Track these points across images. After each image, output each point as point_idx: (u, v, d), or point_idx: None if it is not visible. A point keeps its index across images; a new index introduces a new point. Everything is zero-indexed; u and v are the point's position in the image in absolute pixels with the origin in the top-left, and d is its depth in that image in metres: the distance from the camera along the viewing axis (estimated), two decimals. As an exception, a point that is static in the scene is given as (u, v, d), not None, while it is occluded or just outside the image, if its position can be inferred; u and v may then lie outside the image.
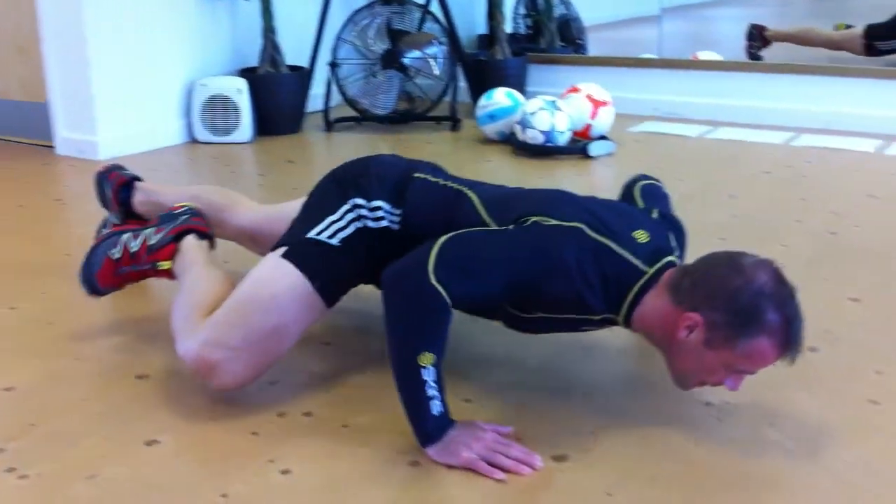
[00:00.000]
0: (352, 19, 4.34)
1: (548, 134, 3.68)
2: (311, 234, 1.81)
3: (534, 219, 1.64)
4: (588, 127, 3.83)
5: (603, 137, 3.83)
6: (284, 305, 1.73)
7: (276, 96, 4.23)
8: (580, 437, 1.63)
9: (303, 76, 4.33)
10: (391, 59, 4.27)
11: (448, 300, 1.51)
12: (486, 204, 1.76)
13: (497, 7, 4.56)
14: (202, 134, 4.09)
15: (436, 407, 1.53)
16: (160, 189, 2.34)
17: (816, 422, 1.67)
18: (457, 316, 1.57)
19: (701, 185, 3.28)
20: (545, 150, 3.68)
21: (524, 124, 3.72)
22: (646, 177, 2.04)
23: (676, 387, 1.66)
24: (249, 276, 1.81)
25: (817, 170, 3.45)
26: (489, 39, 4.72)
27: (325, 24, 4.37)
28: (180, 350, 1.74)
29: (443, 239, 1.58)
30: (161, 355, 1.97)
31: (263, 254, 1.96)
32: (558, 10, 5.11)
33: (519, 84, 4.48)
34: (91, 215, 2.73)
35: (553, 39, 5.02)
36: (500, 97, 3.96)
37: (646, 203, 1.92)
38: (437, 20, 4.39)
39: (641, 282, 1.61)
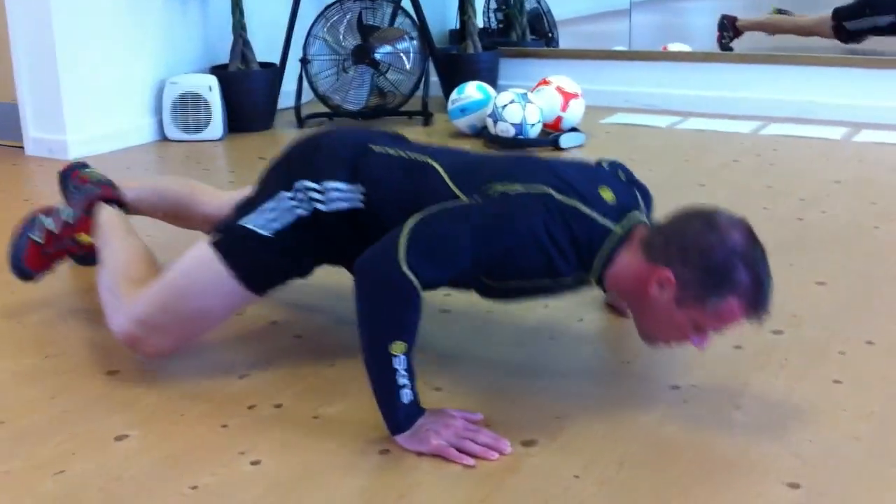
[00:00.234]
0: (323, 15, 4.33)
1: (519, 126, 3.69)
2: (243, 221, 1.79)
3: (499, 187, 1.63)
4: (559, 119, 3.85)
5: (574, 129, 3.85)
6: (209, 294, 1.80)
7: (248, 93, 4.22)
8: (549, 422, 1.64)
9: (274, 73, 4.32)
10: (362, 55, 4.27)
11: (419, 287, 1.52)
12: (452, 174, 1.73)
13: (468, 2, 4.57)
14: (173, 132, 4.08)
15: (406, 395, 1.54)
16: (124, 185, 2.32)
17: (782, 403, 1.69)
18: (427, 306, 1.58)
19: (670, 173, 3.31)
20: (517, 143, 3.70)
21: (495, 117, 3.73)
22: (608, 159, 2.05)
23: (644, 343, 1.68)
24: (181, 259, 1.83)
25: (785, 158, 3.49)
26: (460, 34, 4.73)
27: (295, 21, 4.36)
28: (112, 325, 1.84)
29: (411, 223, 1.58)
30: (129, 352, 1.96)
31: None
32: (529, 4, 5.13)
33: (491, 78, 4.49)
34: (60, 214, 2.72)
35: (524, 33, 5.04)
36: (471, 91, 3.97)
37: (611, 169, 1.93)
38: (408, 15, 4.40)
39: (612, 241, 1.62)
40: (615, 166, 1.93)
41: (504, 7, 5.14)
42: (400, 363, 1.52)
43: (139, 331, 1.80)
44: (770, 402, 1.69)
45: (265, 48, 4.38)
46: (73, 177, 2.31)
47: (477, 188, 1.66)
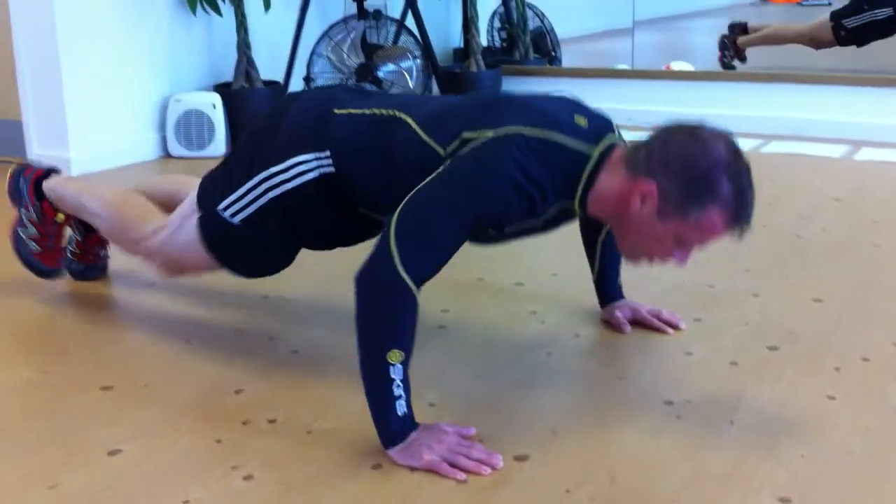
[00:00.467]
0: (327, 34, 4.37)
1: (520, 144, 3.70)
2: (219, 206, 1.87)
3: (469, 135, 1.61)
4: (560, 137, 3.85)
5: (575, 147, 3.85)
6: (200, 261, 1.96)
7: (251, 111, 4.24)
8: (542, 436, 1.64)
9: (278, 91, 4.35)
10: (366, 73, 4.30)
11: (416, 292, 1.52)
12: (422, 123, 1.71)
13: (472, 21, 4.60)
14: (176, 149, 4.10)
15: (401, 407, 1.54)
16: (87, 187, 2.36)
17: (775, 418, 1.69)
18: (423, 321, 1.59)
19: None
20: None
21: (497, 135, 3.74)
22: None
23: (625, 259, 1.69)
24: (178, 225, 1.96)
25: (785, 174, 3.49)
26: (464, 53, 4.75)
27: (299, 39, 4.39)
28: (139, 254, 2.08)
29: (394, 221, 1.56)
30: (127, 367, 1.97)
31: None
32: (533, 23, 5.16)
33: (493, 96, 4.50)
34: (62, 230, 2.73)
35: (527, 52, 5.07)
36: (473, 109, 3.98)
37: None
38: (411, 34, 4.43)
39: (590, 164, 1.61)
40: None
41: (507, 26, 5.16)
42: (397, 373, 1.52)
43: (151, 261, 2.05)
44: (764, 417, 1.69)
45: (269, 66, 4.41)
46: (27, 174, 2.36)
47: (448, 137, 1.64)
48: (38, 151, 3.87)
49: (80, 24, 3.76)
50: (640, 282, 2.35)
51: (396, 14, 4.73)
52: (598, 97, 4.56)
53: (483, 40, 5.07)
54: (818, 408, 1.72)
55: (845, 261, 2.51)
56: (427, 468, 1.53)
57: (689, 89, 4.47)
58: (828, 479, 1.49)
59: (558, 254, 2.57)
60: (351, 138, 1.77)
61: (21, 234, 2.34)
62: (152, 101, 4.11)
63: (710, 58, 5.22)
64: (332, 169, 1.77)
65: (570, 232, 2.12)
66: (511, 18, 5.09)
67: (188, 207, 1.96)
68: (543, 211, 1.64)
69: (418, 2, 4.53)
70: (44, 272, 2.37)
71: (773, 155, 3.82)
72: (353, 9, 4.47)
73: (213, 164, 3.78)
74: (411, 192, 1.61)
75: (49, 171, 2.34)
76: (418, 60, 4.33)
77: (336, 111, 1.80)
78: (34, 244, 2.33)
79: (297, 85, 4.40)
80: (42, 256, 2.35)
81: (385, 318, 1.53)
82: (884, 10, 4.40)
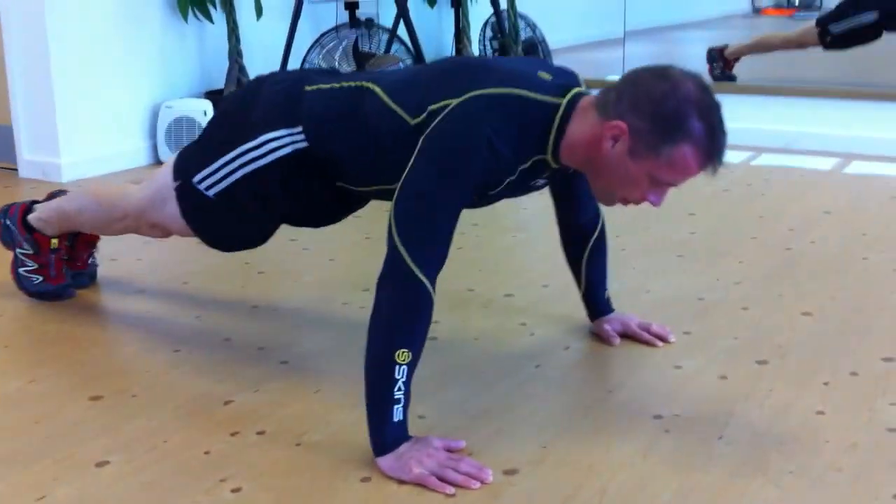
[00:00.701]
0: (318, 42, 4.36)
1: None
2: (195, 179, 1.89)
3: (435, 109, 1.61)
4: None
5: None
6: (182, 227, 1.99)
7: (242, 119, 4.23)
8: (531, 450, 1.64)
9: (269, 98, 4.34)
10: (357, 82, 4.30)
11: (432, 290, 1.55)
12: (390, 92, 1.72)
13: (464, 30, 4.60)
14: (167, 155, 4.09)
15: (397, 413, 1.55)
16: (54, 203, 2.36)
17: (765, 433, 1.69)
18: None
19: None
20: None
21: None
22: None
23: (600, 203, 1.72)
24: (157, 181, 2.00)
25: (776, 187, 3.50)
26: (455, 61, 4.75)
27: (291, 47, 4.38)
28: (128, 228, 2.14)
29: (394, 223, 1.56)
30: (115, 377, 1.96)
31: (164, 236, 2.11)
32: (524, 33, 5.16)
33: (484, 105, 4.50)
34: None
35: (519, 61, 5.07)
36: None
37: None
38: (403, 43, 4.43)
39: (559, 114, 1.62)
40: None
41: (499, 35, 5.17)
42: (401, 374, 1.53)
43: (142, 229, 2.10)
44: (753, 433, 1.69)
45: (261, 73, 4.40)
46: (11, 213, 2.37)
47: (414, 106, 1.65)
48: (28, 157, 3.86)
49: (71, 30, 3.74)
50: (631, 294, 2.35)
51: (389, 23, 4.73)
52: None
53: (475, 49, 5.08)
54: (807, 423, 1.72)
55: (835, 274, 2.52)
56: (416, 482, 1.52)
57: (680, 100, 4.48)
58: (816, 496, 1.49)
59: (548, 265, 2.57)
60: (322, 112, 1.79)
61: (23, 273, 2.35)
62: (143, 108, 4.10)
63: (702, 69, 5.24)
64: (304, 144, 1.79)
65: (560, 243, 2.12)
66: (503, 28, 5.09)
67: (165, 174, 1.98)
68: (519, 164, 1.64)
69: (410, 11, 4.53)
70: (55, 293, 2.36)
71: (764, 168, 3.84)
72: (346, 17, 4.47)
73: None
74: (399, 184, 1.61)
75: (31, 205, 2.34)
76: (410, 69, 4.33)
77: (307, 88, 1.82)
78: (37, 276, 2.34)
79: (288, 93, 4.39)
80: (47, 280, 2.35)
81: (400, 316, 1.55)
82: (869, 14, 4.40)
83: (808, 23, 4.57)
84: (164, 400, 1.85)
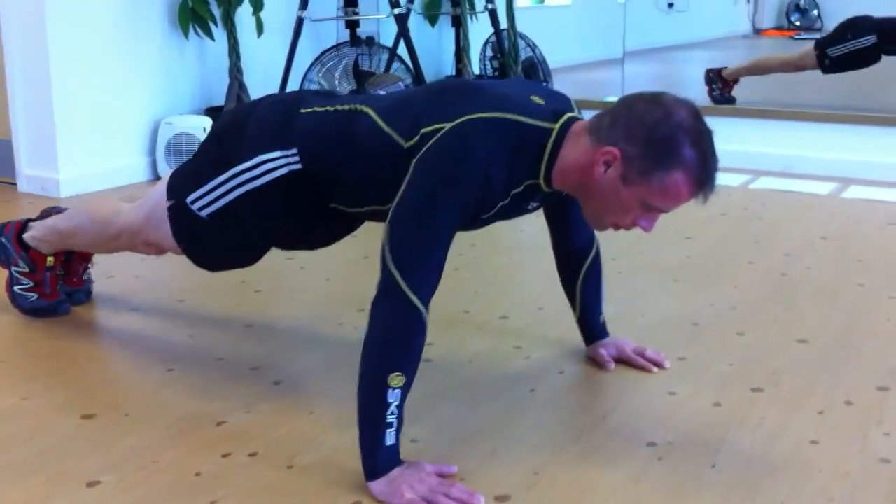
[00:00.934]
0: (319, 60, 4.38)
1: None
2: (188, 199, 1.89)
3: (428, 132, 1.61)
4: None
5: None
6: (175, 246, 1.98)
7: (242, 135, 4.24)
8: (523, 476, 1.64)
9: (269, 115, 4.35)
10: (357, 100, 4.31)
11: (425, 314, 1.55)
12: (383, 115, 1.72)
13: (464, 50, 4.62)
14: (166, 172, 4.09)
15: (390, 437, 1.54)
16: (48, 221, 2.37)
17: (757, 462, 1.69)
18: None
19: (657, 226, 3.30)
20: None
21: (486, 165, 3.75)
22: None
23: (592, 226, 1.72)
24: (152, 199, 1.99)
25: (773, 211, 3.51)
26: (455, 81, 4.77)
27: (291, 65, 4.40)
28: (124, 245, 2.13)
29: (387, 242, 1.57)
30: (109, 395, 1.96)
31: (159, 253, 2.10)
32: (524, 53, 5.18)
33: (484, 125, 4.51)
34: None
35: (519, 81, 5.08)
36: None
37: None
38: (403, 62, 4.44)
39: (552, 139, 1.63)
40: None
41: (499, 55, 5.19)
42: (394, 398, 1.53)
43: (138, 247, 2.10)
44: (745, 461, 1.69)
45: (261, 91, 4.39)
46: (6, 231, 2.38)
47: (408, 128, 1.66)
48: (27, 172, 3.86)
49: (72, 45, 3.76)
50: (625, 317, 2.35)
51: (389, 41, 4.75)
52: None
53: (475, 69, 5.09)
54: (800, 452, 1.72)
55: (830, 301, 2.52)
56: (407, 507, 1.52)
57: (679, 123, 4.49)
58: (808, 526, 1.49)
59: (544, 287, 2.57)
60: (316, 134, 1.79)
61: (18, 291, 2.36)
62: (143, 124, 4.11)
63: (700, 90, 5.26)
64: (299, 166, 1.79)
65: (555, 268, 2.12)
66: (503, 48, 5.11)
67: (159, 193, 1.97)
68: (511, 188, 1.65)
69: (411, 30, 4.56)
70: (50, 309, 2.37)
71: (761, 191, 3.84)
72: (346, 35, 4.49)
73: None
74: (392, 208, 1.61)
75: (26, 223, 2.35)
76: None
77: (302, 110, 1.83)
78: (32, 294, 2.35)
79: (288, 110, 4.40)
80: (42, 297, 2.37)
81: (394, 339, 1.55)
82: (867, 38, 4.43)
83: (807, 45, 4.59)
84: (156, 419, 1.85)
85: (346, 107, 1.80)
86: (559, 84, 5.23)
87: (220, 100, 4.31)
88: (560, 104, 1.71)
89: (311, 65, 4.36)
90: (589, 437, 1.79)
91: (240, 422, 1.84)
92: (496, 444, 1.75)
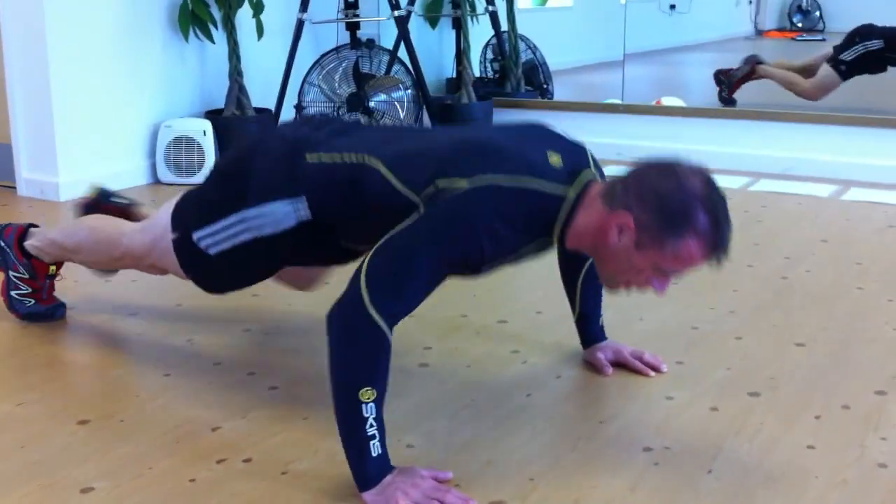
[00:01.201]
0: (319, 62, 4.38)
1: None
2: (194, 235, 1.88)
3: (444, 183, 1.59)
4: (550, 171, 3.86)
5: (564, 181, 3.86)
6: (179, 271, 1.97)
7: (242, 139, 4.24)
8: (519, 483, 1.63)
9: (269, 119, 4.35)
10: (357, 103, 4.31)
11: (387, 331, 1.52)
12: (393, 168, 1.70)
13: (464, 52, 4.62)
14: (166, 175, 4.10)
15: (375, 448, 1.53)
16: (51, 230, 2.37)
17: (754, 468, 1.68)
18: (404, 360, 1.58)
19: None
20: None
21: (486, 168, 3.75)
22: None
23: (605, 288, 1.70)
24: (157, 225, 1.99)
25: (773, 214, 3.50)
26: (456, 83, 4.77)
27: (291, 68, 4.40)
28: (128, 266, 2.17)
29: (366, 264, 1.57)
30: (104, 401, 1.96)
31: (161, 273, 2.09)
32: (525, 55, 5.18)
33: (484, 128, 4.51)
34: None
35: (519, 84, 5.08)
36: (463, 141, 3.99)
37: None
38: (403, 64, 4.44)
39: (567, 205, 1.63)
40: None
41: (500, 58, 5.19)
42: (370, 412, 1.51)
43: (142, 268, 2.11)
44: (742, 467, 1.68)
45: (261, 94, 4.42)
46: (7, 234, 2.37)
47: (421, 182, 1.63)
48: (27, 176, 3.87)
49: (72, 49, 3.76)
50: (623, 323, 2.34)
51: (389, 44, 4.75)
52: (588, 131, 4.56)
53: (476, 71, 5.09)
54: (797, 458, 1.71)
55: (829, 305, 2.51)
56: (401, 513, 1.51)
57: (679, 125, 4.49)
58: (804, 533, 1.48)
59: (542, 292, 2.57)
60: (324, 187, 1.78)
61: (15, 296, 2.35)
62: (143, 127, 4.11)
63: (702, 92, 5.24)
64: (309, 216, 1.79)
65: (555, 270, 2.11)
66: (503, 50, 5.11)
67: (164, 223, 1.96)
68: (519, 250, 1.67)
69: (411, 32, 4.55)
70: (46, 314, 2.38)
71: (762, 194, 3.83)
72: (346, 38, 4.49)
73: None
74: (386, 235, 1.61)
75: (27, 229, 2.34)
76: (409, 91, 4.34)
77: (307, 157, 1.80)
78: (29, 300, 2.36)
79: (288, 113, 4.40)
80: (39, 303, 2.37)
81: (356, 357, 1.53)
82: (875, 41, 4.48)
83: (822, 70, 4.62)
84: (151, 425, 1.85)
85: (353, 157, 1.76)
86: (560, 86, 5.23)
87: (220, 103, 4.31)
88: (577, 160, 1.70)
89: (312, 67, 4.37)
90: (585, 442, 1.78)
91: (235, 428, 1.84)
92: (492, 450, 1.74)
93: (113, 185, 3.91)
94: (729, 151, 4.31)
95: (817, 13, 6.56)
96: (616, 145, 4.56)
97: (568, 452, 1.74)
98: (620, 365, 2.09)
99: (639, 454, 1.73)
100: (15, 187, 3.92)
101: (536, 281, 2.68)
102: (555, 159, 1.66)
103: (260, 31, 4.30)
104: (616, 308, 2.38)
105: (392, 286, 1.55)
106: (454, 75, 5.07)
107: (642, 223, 1.55)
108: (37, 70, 3.72)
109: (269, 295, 2.60)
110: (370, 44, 4.46)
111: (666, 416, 1.88)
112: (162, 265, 2.02)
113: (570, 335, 2.16)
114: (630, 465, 1.69)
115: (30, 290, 2.34)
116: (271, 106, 4.41)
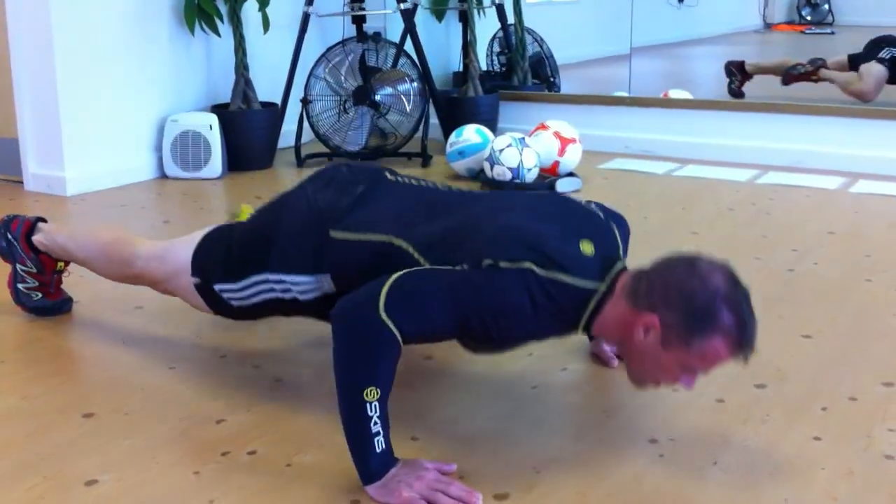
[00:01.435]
0: (325, 56, 4.37)
1: (515, 170, 3.70)
2: (216, 286, 1.92)
3: (487, 262, 1.61)
4: (556, 164, 3.86)
5: (571, 174, 3.85)
6: (199, 304, 2.01)
7: (248, 132, 4.24)
8: (524, 475, 1.62)
9: (275, 113, 4.35)
10: (363, 96, 4.30)
11: (398, 336, 1.52)
12: (423, 252, 1.70)
13: (471, 45, 4.60)
14: (172, 170, 4.10)
15: (380, 444, 1.53)
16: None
17: (761, 459, 1.67)
18: (409, 352, 1.57)
19: (664, 221, 3.30)
20: (512, 187, 3.70)
21: (492, 161, 3.74)
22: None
23: (634, 385, 1.68)
24: (178, 261, 1.99)
25: (781, 207, 3.48)
26: (463, 77, 4.76)
27: (297, 62, 4.40)
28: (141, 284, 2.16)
29: (396, 275, 1.59)
30: (109, 394, 1.96)
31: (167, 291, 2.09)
32: (532, 48, 5.16)
33: (491, 121, 4.51)
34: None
35: (526, 77, 5.07)
36: (469, 134, 3.99)
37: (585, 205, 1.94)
38: (409, 58, 4.43)
39: (596, 298, 1.63)
40: (591, 203, 1.94)
41: (507, 51, 5.17)
42: (374, 410, 1.51)
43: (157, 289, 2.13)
44: (749, 459, 1.67)
45: (267, 88, 4.42)
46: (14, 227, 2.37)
47: (458, 261, 1.63)
48: (34, 170, 3.87)
49: (78, 44, 3.76)
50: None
51: (396, 37, 4.74)
52: (595, 124, 4.59)
53: (483, 65, 5.08)
54: (804, 450, 1.70)
55: (837, 297, 2.50)
56: (405, 505, 1.51)
57: (687, 118, 4.47)
58: (810, 525, 1.47)
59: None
60: (349, 266, 1.77)
61: (22, 289, 2.35)
62: (149, 121, 4.11)
63: (709, 85, 5.21)
64: (333, 289, 1.80)
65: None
66: (510, 43, 5.09)
67: (184, 260, 1.97)
68: (548, 336, 1.72)
69: (417, 25, 4.54)
70: (53, 308, 2.39)
71: (770, 186, 3.82)
72: (353, 31, 4.48)
73: (209, 186, 3.72)
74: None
75: (35, 222, 2.33)
76: (416, 84, 4.33)
77: (332, 233, 1.79)
78: (37, 293, 2.36)
79: (294, 106, 4.40)
80: (46, 297, 2.37)
81: (363, 358, 1.53)
82: (887, 50, 4.45)
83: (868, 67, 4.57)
84: (156, 418, 1.85)
85: (381, 237, 1.75)
86: (567, 80, 5.21)
87: (226, 97, 4.31)
88: (608, 247, 1.71)
89: (318, 61, 4.36)
90: (591, 435, 1.78)
91: (240, 420, 1.84)
92: (497, 443, 1.74)
93: (120, 180, 3.95)
94: (737, 144, 4.30)
95: (826, 6, 6.52)
96: (623, 138, 4.55)
97: (573, 444, 1.74)
98: (626, 357, 2.08)
99: (645, 446, 1.72)
100: (22, 182, 3.92)
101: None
102: (587, 248, 1.67)
103: (266, 25, 4.29)
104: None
105: (412, 304, 1.55)
106: (461, 68, 5.05)
107: (668, 324, 1.55)
108: (43, 65, 3.72)
109: (275, 288, 2.60)
110: (376, 37, 4.45)
111: (672, 407, 1.87)
112: (180, 296, 2.04)
113: (575, 327, 2.15)
114: (636, 456, 1.68)
115: (37, 283, 2.34)
116: (277, 100, 4.40)
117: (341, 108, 4.35)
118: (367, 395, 1.50)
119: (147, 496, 1.57)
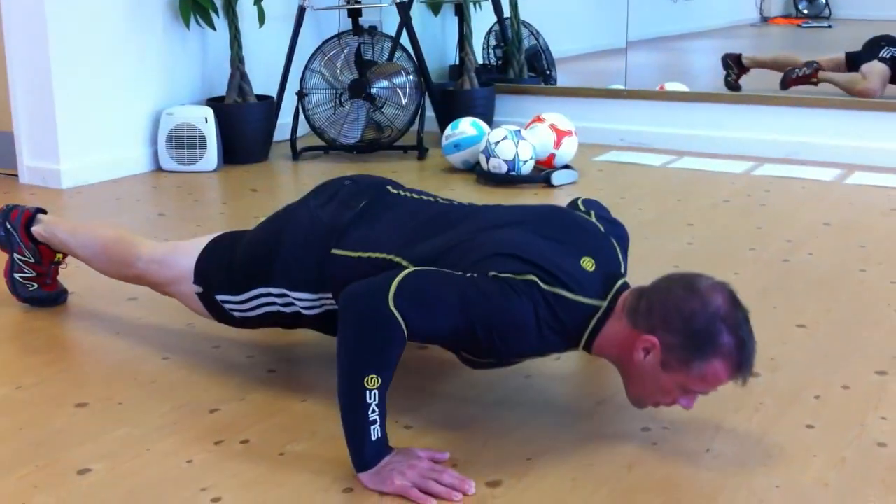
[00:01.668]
0: (320, 49, 4.37)
1: (511, 163, 3.70)
2: (219, 297, 1.93)
3: (492, 274, 1.60)
4: (552, 156, 3.85)
5: (567, 167, 3.85)
6: (199, 309, 2.01)
7: (243, 125, 4.24)
8: (516, 462, 1.63)
9: (270, 106, 4.34)
10: (359, 89, 4.30)
11: (405, 327, 1.52)
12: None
13: (467, 38, 4.60)
14: (168, 163, 4.09)
15: (375, 432, 1.53)
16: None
17: (753, 447, 1.67)
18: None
19: (659, 213, 3.30)
20: (508, 179, 3.70)
21: (488, 153, 3.74)
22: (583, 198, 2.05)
23: (632, 404, 1.68)
24: (180, 268, 1.99)
25: (776, 198, 3.48)
26: (459, 70, 4.75)
27: (293, 55, 4.39)
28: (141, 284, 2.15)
29: (407, 271, 1.59)
30: (103, 383, 1.96)
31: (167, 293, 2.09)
32: (528, 42, 5.16)
33: (487, 114, 4.50)
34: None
35: (522, 70, 5.06)
36: (465, 127, 3.98)
37: (586, 208, 1.94)
38: (405, 51, 4.43)
39: (598, 315, 1.63)
40: (590, 204, 1.94)
41: (503, 44, 5.17)
42: (373, 398, 1.51)
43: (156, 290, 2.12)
44: (741, 446, 1.68)
45: (263, 81, 4.41)
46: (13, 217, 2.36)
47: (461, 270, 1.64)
48: (28, 163, 3.87)
49: (73, 36, 3.75)
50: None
51: (392, 30, 4.74)
52: (591, 117, 4.59)
53: (479, 58, 5.07)
54: (796, 437, 1.70)
55: (831, 287, 2.50)
56: (397, 493, 1.51)
57: (683, 110, 4.46)
58: (802, 511, 1.47)
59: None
60: (349, 283, 1.73)
61: (18, 279, 2.35)
62: (144, 114, 4.10)
63: (705, 79, 5.21)
64: (334, 307, 1.80)
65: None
66: (506, 36, 5.09)
67: (186, 267, 1.97)
68: (550, 352, 1.71)
69: (413, 18, 4.54)
70: (49, 299, 2.39)
71: (765, 178, 3.82)
72: (348, 24, 4.47)
73: (204, 179, 3.72)
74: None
75: (35, 213, 2.33)
76: (412, 77, 4.32)
77: (334, 251, 1.79)
78: (33, 284, 2.36)
79: (289, 99, 4.39)
80: (42, 288, 2.38)
81: (368, 345, 1.53)
82: (886, 50, 4.45)
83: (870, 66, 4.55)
84: (150, 408, 1.85)
85: (381, 255, 1.75)
86: (563, 73, 5.21)
87: (221, 90, 4.31)
88: (609, 263, 1.71)
89: (313, 54, 4.35)
90: (583, 423, 1.78)
91: (233, 409, 1.84)
92: (490, 431, 1.74)
93: (115, 173, 3.95)
94: (733, 136, 4.30)
95: (823, 0, 6.52)
96: (619, 130, 4.55)
97: (566, 432, 1.74)
98: (620, 347, 2.08)
99: (637, 434, 1.72)
100: (17, 175, 3.92)
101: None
102: (588, 264, 1.66)
103: (261, 18, 4.29)
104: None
105: (422, 300, 1.55)
106: (457, 62, 5.04)
107: (668, 345, 1.55)
108: (38, 58, 3.71)
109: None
110: (372, 30, 4.44)
111: (665, 396, 1.87)
112: (181, 301, 2.05)
113: (569, 317, 2.15)
114: (628, 444, 1.69)
115: (34, 273, 2.33)
116: (273, 93, 4.40)
117: (337, 101, 4.35)
118: (367, 382, 1.50)
119: (140, 484, 1.57)
